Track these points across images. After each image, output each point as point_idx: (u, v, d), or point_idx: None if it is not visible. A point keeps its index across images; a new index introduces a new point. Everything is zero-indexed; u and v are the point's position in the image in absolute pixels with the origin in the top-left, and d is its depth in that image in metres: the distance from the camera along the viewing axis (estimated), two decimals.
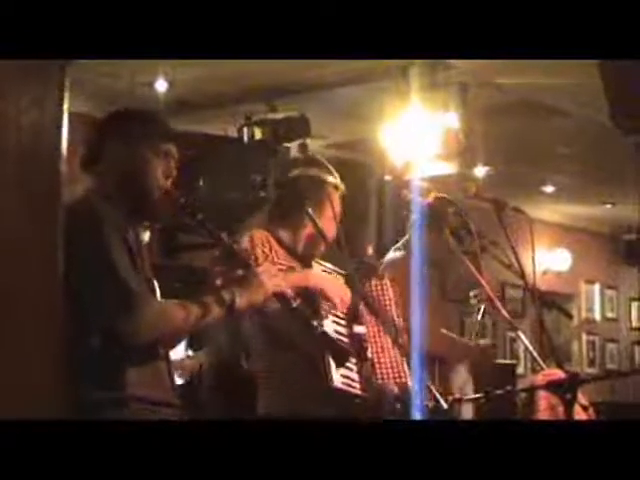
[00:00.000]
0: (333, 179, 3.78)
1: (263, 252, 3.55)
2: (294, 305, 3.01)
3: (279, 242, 3.65)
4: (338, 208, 3.76)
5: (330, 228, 3.69)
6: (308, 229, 3.69)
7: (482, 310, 4.56)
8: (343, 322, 3.60)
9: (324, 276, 3.61)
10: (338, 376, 3.45)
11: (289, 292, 3.03)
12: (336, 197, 3.77)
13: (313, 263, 3.65)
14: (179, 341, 3.19)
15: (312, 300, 3.41)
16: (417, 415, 3.21)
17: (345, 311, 3.60)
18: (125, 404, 2.72)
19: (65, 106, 1.80)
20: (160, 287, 3.02)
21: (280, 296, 3.01)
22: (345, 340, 3.54)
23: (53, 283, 1.78)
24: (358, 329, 3.59)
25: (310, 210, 3.62)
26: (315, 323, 3.05)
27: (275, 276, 3.02)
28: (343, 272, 3.68)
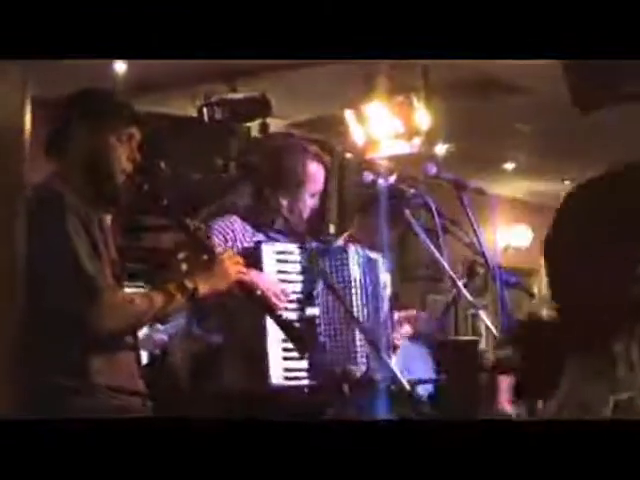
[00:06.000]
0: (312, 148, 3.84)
1: (225, 241, 3.57)
2: (258, 293, 3.02)
3: (247, 220, 3.67)
4: (318, 183, 3.81)
5: (306, 200, 3.76)
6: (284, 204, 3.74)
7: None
8: (294, 306, 3.61)
9: (259, 278, 3.51)
10: (280, 371, 3.45)
11: (252, 280, 3.04)
12: (313, 167, 3.82)
13: (263, 245, 3.63)
14: (142, 328, 3.18)
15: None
16: (380, 397, 3.24)
17: (297, 296, 3.61)
18: (88, 391, 2.72)
19: (28, 90, 1.78)
20: (122, 270, 3.01)
21: (243, 284, 3.01)
22: (296, 325, 3.54)
23: (13, 269, 1.77)
24: (311, 311, 3.58)
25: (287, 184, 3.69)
26: (279, 312, 3.05)
27: (238, 263, 3.01)
28: (298, 248, 3.69)
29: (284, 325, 3.09)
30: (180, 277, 2.89)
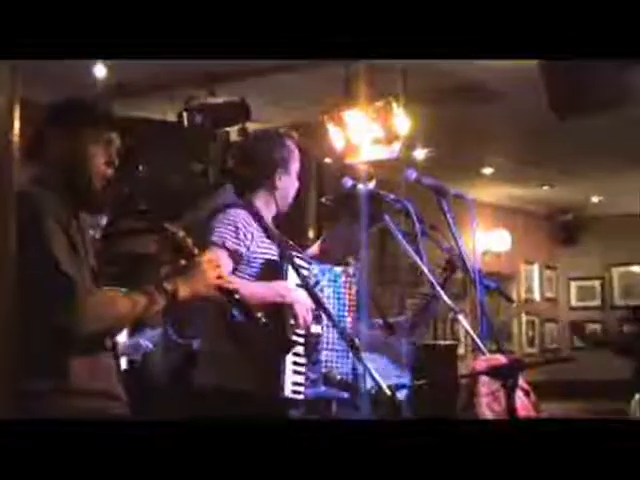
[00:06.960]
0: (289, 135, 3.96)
1: (245, 236, 3.61)
2: (237, 297, 3.02)
3: (254, 219, 3.69)
4: (298, 164, 3.93)
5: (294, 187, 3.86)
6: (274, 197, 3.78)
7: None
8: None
9: (298, 294, 3.67)
10: (289, 384, 3.51)
11: (229, 284, 3.04)
12: (290, 145, 3.90)
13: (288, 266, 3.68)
14: (121, 330, 3.17)
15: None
16: (362, 402, 3.26)
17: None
18: (66, 394, 2.71)
19: (16, 92, 1.78)
20: (101, 273, 3.01)
21: (221, 288, 3.02)
22: (301, 341, 3.62)
23: (3, 270, 1.77)
24: (316, 329, 3.67)
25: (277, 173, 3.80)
26: (259, 315, 3.06)
27: (217, 267, 3.01)
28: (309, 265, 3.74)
29: (265, 329, 3.10)
30: (159, 280, 2.89)
